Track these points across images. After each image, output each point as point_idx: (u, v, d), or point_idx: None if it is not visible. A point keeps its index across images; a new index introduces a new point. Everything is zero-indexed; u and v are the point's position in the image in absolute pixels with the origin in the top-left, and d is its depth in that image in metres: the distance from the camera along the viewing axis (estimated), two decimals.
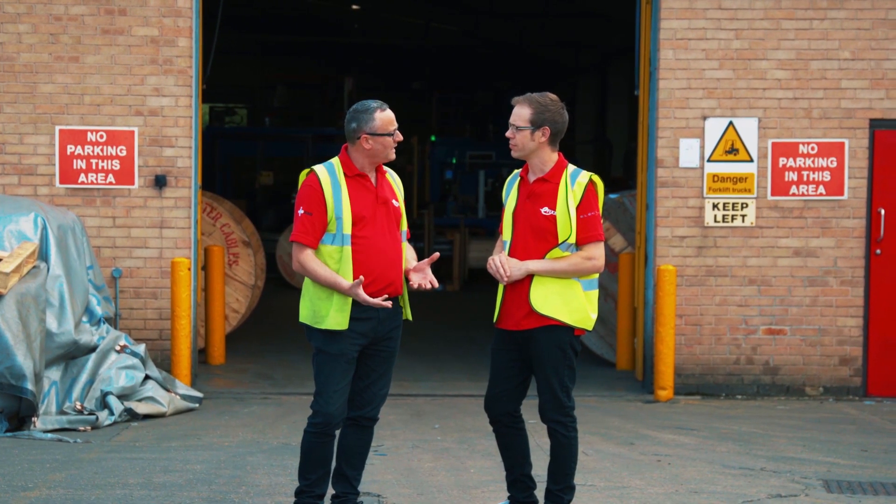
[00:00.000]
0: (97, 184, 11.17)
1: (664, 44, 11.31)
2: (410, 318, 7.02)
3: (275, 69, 32.58)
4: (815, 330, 11.43)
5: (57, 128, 11.12)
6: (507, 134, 6.72)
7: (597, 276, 6.77)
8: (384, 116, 6.70)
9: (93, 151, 11.15)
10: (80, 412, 9.62)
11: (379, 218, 6.72)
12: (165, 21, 11.12)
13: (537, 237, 6.66)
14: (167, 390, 10.30)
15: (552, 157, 6.69)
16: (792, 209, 11.38)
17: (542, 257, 6.65)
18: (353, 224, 6.66)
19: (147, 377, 10.21)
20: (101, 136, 11.14)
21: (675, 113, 11.33)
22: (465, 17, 29.35)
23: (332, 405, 6.65)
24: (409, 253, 6.95)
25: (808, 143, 11.34)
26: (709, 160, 11.35)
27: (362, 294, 6.55)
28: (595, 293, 6.79)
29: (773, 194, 11.36)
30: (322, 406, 6.65)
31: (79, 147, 11.12)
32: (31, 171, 11.15)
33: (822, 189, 11.36)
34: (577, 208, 6.61)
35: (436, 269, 21.05)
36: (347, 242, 6.66)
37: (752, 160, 11.35)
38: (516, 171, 6.87)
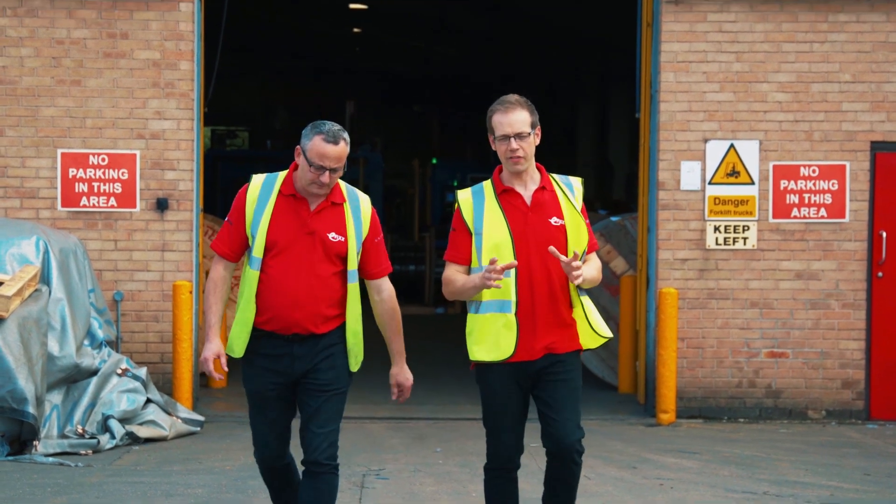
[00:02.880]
0: (99, 207, 11.17)
1: (665, 67, 11.33)
2: (354, 368, 6.14)
3: (276, 92, 32.63)
4: (817, 353, 11.41)
5: (59, 151, 11.14)
6: (513, 146, 5.88)
7: None
8: (320, 145, 5.82)
9: (94, 175, 11.15)
10: (82, 436, 9.60)
11: (298, 249, 5.92)
12: (167, 45, 11.14)
13: (552, 254, 5.84)
14: (169, 414, 10.28)
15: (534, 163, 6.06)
16: (793, 232, 11.38)
17: (563, 277, 5.90)
18: (267, 248, 5.95)
19: (148, 400, 10.19)
20: (103, 160, 11.15)
21: (676, 136, 11.34)
22: (465, 42, 29.40)
23: (259, 449, 6.17)
24: (385, 292, 6.16)
25: (810, 166, 11.35)
26: (710, 183, 11.36)
27: (206, 355, 5.94)
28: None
29: (774, 217, 11.36)
30: (254, 447, 6.21)
31: (81, 170, 11.13)
32: (33, 194, 11.16)
33: (823, 212, 11.37)
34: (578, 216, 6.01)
35: (437, 291, 21.08)
36: (256, 267, 5.97)
37: (753, 183, 11.36)
38: (478, 185, 6.09)
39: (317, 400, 6.00)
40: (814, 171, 11.35)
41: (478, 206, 5.99)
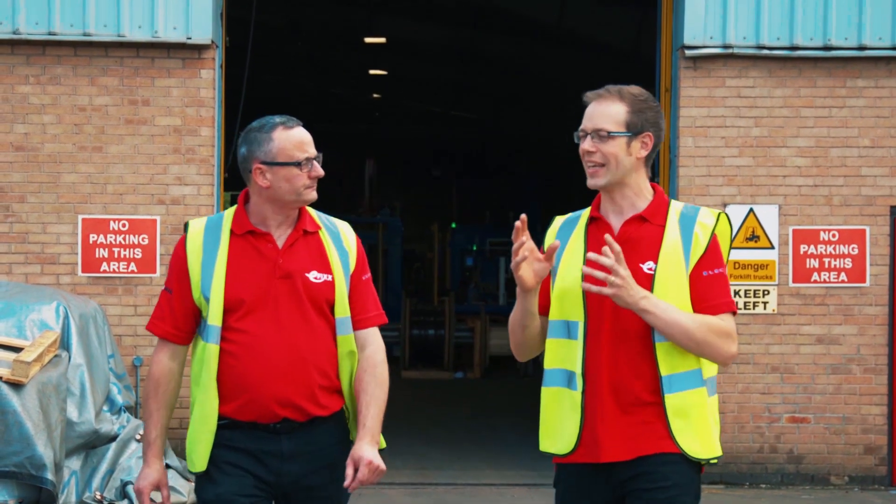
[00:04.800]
0: (119, 272, 11.20)
1: (683, 131, 11.35)
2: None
3: None
4: (839, 418, 11.34)
5: (80, 217, 11.19)
6: (586, 146, 4.33)
7: (716, 371, 4.46)
8: (289, 136, 4.47)
9: (115, 240, 11.20)
10: (100, 502, 9.57)
11: (273, 302, 4.45)
12: (188, 111, 11.22)
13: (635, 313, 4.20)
14: (187, 479, 10.25)
15: (646, 183, 4.40)
16: (814, 296, 11.34)
17: (650, 344, 4.26)
18: (228, 310, 4.43)
19: (167, 466, 10.16)
20: (124, 225, 11.20)
21: (695, 200, 11.34)
22: (484, 106, 29.54)
23: None
24: (369, 348, 4.60)
25: (829, 230, 11.33)
26: (730, 247, 11.32)
27: (140, 485, 4.53)
28: (717, 402, 4.49)
29: (794, 281, 11.33)
30: None
31: (101, 236, 11.18)
32: (54, 259, 11.20)
33: (843, 276, 11.33)
34: (700, 262, 4.30)
35: (457, 356, 21.06)
36: (214, 338, 4.44)
37: (773, 247, 11.34)
38: (573, 214, 4.53)
39: None
40: (834, 236, 11.34)
41: (563, 236, 4.44)
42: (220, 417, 4.47)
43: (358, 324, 4.59)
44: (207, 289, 4.45)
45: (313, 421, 4.47)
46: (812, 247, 11.34)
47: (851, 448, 11.35)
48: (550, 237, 4.46)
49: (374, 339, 4.63)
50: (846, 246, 11.34)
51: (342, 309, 4.53)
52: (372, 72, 26.70)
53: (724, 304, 4.31)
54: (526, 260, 4.23)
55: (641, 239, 4.31)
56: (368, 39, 23.04)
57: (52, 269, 11.21)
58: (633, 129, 4.30)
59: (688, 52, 11.23)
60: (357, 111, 31.62)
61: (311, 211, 4.65)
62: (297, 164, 4.46)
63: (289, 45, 23.51)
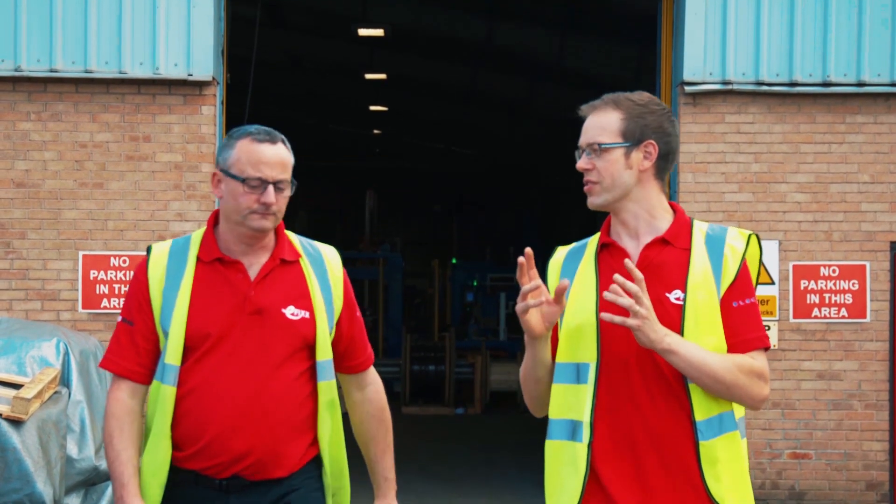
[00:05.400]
0: (119, 309, 11.20)
1: (683, 167, 11.37)
2: None
3: (296, 193, 32.82)
4: (840, 454, 11.32)
5: (80, 253, 11.20)
6: (581, 164, 3.79)
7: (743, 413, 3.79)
8: (251, 149, 3.88)
9: (115, 276, 11.20)
10: None
11: (239, 341, 3.88)
12: (189, 147, 11.24)
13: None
14: None
15: (662, 200, 3.85)
16: (814, 332, 11.33)
17: (683, 384, 3.64)
18: (189, 348, 3.88)
19: None
20: (125, 262, 11.20)
21: None
22: (484, 142, 29.61)
23: None
24: (370, 387, 4.20)
25: (830, 266, 11.34)
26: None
27: None
28: (746, 446, 3.82)
29: (795, 317, 11.32)
30: None
31: (102, 272, 11.18)
32: (54, 296, 11.21)
33: (844, 312, 11.33)
34: (729, 291, 3.72)
35: (457, 391, 21.02)
36: (172, 381, 3.88)
37: (773, 283, 11.34)
38: (578, 243, 3.95)
39: None
40: (834, 271, 11.34)
41: (569, 268, 3.86)
42: (174, 469, 3.92)
43: (352, 368, 4.17)
44: (167, 322, 3.88)
45: (269, 479, 3.90)
46: (812, 282, 11.34)
47: (853, 484, 11.32)
48: (554, 270, 3.91)
49: (373, 377, 4.24)
50: (847, 281, 11.35)
51: (324, 351, 3.95)
52: (372, 108, 26.78)
53: (756, 340, 3.71)
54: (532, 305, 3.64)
55: (665, 265, 3.71)
56: (369, 76, 23.13)
57: (53, 306, 11.21)
58: (631, 139, 3.74)
59: (687, 89, 11.27)
60: (358, 147, 31.70)
61: (292, 236, 4.11)
62: (244, 181, 3.84)
63: (290, 82, 23.59)
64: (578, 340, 3.72)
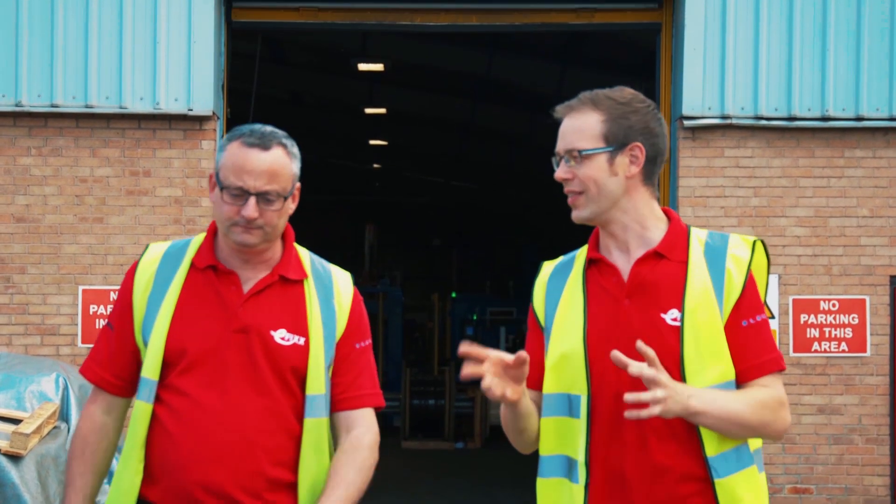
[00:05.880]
0: None
1: (683, 202, 11.38)
2: None
3: (296, 226, 32.88)
4: (841, 489, 11.28)
5: (80, 288, 11.19)
6: (560, 174, 3.40)
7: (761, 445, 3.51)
8: (237, 153, 3.44)
9: None
10: None
11: (223, 360, 3.44)
12: (189, 182, 11.26)
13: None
14: None
15: (653, 207, 3.43)
16: (815, 366, 11.32)
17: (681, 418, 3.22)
18: (168, 363, 3.48)
19: None
20: None
21: None
22: (484, 175, 29.65)
23: None
24: (357, 429, 3.53)
25: (829, 300, 11.33)
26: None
27: None
28: (765, 480, 3.54)
29: (795, 351, 11.31)
30: None
31: (101, 307, 11.18)
32: (54, 331, 11.20)
33: (844, 346, 11.32)
34: (736, 308, 3.34)
35: (457, 426, 20.98)
36: (147, 396, 3.52)
37: (773, 317, 11.33)
38: (565, 258, 3.57)
39: None
40: (834, 306, 11.34)
41: (555, 286, 3.47)
42: (140, 502, 3.47)
43: (345, 402, 3.55)
44: (148, 331, 3.49)
45: None
46: (812, 316, 11.34)
47: None
48: (539, 290, 3.51)
49: (364, 420, 3.55)
50: (846, 315, 11.34)
51: (316, 384, 3.46)
52: (372, 142, 26.84)
53: (770, 363, 3.39)
54: (494, 380, 3.20)
55: (659, 282, 3.30)
56: (369, 110, 23.18)
57: (52, 341, 11.20)
58: (615, 142, 3.33)
59: (686, 123, 11.29)
60: (357, 181, 31.74)
61: (303, 252, 3.68)
62: (226, 189, 3.42)
63: (290, 116, 23.64)
64: (567, 370, 3.33)
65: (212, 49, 11.09)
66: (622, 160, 3.34)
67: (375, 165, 29.76)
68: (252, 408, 3.41)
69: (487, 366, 3.20)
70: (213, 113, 11.18)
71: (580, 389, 3.30)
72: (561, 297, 3.41)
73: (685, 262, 3.32)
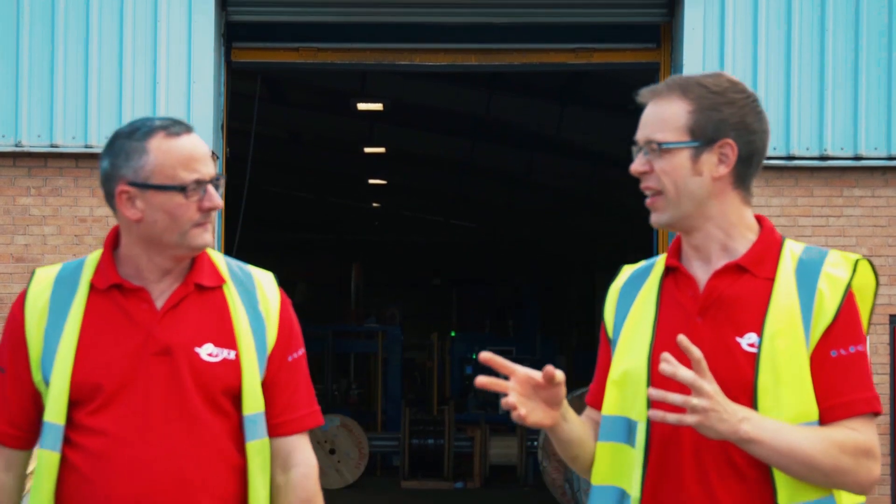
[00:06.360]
0: None
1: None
2: None
3: (295, 266, 32.91)
4: None
5: None
6: (636, 166, 2.92)
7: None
8: (172, 146, 3.02)
9: None
10: None
11: (145, 390, 2.99)
12: None
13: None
14: None
15: (744, 214, 2.99)
16: None
17: (749, 460, 2.79)
18: (76, 402, 2.98)
19: None
20: None
21: None
22: (483, 214, 29.71)
23: None
24: (296, 470, 3.10)
25: None
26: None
27: None
28: None
29: None
30: None
31: None
32: None
33: None
34: (826, 336, 2.87)
35: (457, 465, 20.90)
36: (53, 444, 2.97)
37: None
38: (647, 262, 3.12)
39: None
40: None
41: (627, 294, 3.06)
42: None
43: (279, 427, 3.11)
44: (49, 368, 2.98)
45: None
46: None
47: None
48: (612, 298, 3.09)
49: (301, 454, 3.12)
50: None
51: (253, 402, 3.03)
52: (371, 181, 26.88)
53: (860, 402, 2.92)
54: (521, 399, 2.82)
55: (739, 299, 2.85)
56: (368, 149, 23.22)
57: None
58: (702, 137, 2.86)
59: None
60: (356, 220, 31.79)
61: (216, 256, 3.21)
62: (182, 190, 3.01)
63: (289, 155, 23.69)
64: (628, 391, 2.91)
65: (211, 89, 11.12)
66: (709, 158, 2.88)
67: (375, 204, 29.80)
68: (183, 440, 2.96)
69: (513, 384, 2.82)
70: (213, 152, 11.17)
71: (639, 415, 2.88)
72: (632, 307, 3.00)
73: (772, 280, 2.87)
